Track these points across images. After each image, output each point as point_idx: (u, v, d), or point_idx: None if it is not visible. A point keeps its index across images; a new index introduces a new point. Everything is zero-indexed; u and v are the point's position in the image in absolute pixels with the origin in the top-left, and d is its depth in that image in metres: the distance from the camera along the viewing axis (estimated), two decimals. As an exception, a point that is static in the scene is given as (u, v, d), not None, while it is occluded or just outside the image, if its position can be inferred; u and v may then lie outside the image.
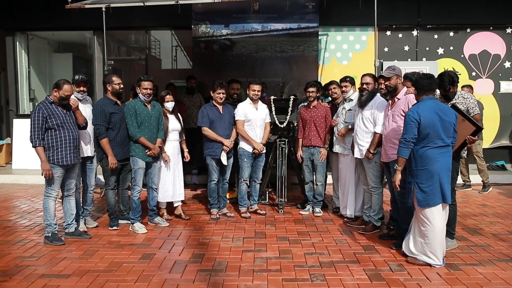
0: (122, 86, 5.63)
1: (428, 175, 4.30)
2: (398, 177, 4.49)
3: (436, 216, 4.33)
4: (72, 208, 5.31)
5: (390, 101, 5.15)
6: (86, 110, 5.53)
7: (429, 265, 4.36)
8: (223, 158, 6.14)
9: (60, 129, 4.97)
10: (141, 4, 7.32)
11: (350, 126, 5.87)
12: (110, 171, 5.59)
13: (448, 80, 4.87)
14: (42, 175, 4.98)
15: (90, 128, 5.53)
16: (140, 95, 5.67)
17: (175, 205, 6.30)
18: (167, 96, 6.06)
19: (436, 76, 5.20)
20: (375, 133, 5.37)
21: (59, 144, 4.97)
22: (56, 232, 5.19)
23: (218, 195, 6.37)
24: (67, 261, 4.58)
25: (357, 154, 5.62)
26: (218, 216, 6.25)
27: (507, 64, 9.85)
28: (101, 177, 6.07)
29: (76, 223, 5.41)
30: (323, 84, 7.18)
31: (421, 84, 4.43)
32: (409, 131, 4.31)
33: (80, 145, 5.27)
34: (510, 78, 9.89)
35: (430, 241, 4.35)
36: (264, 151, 6.38)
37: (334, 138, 6.18)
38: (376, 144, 5.36)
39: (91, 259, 4.65)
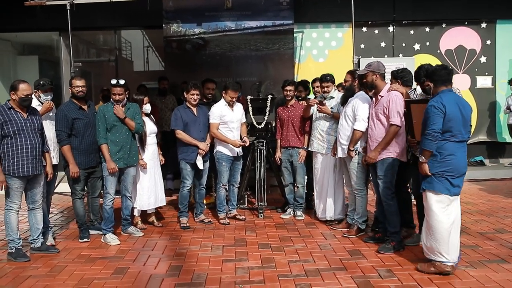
0: (82, 89, 5.23)
1: (443, 167, 4.02)
2: (425, 168, 4.07)
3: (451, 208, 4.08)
4: (38, 222, 4.92)
5: (374, 99, 4.94)
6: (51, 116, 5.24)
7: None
8: (199, 163, 5.85)
9: (17, 136, 4.58)
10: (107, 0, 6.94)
11: (330, 111, 5.68)
12: (73, 180, 5.24)
13: (423, 73, 4.73)
14: None
15: (54, 135, 5.20)
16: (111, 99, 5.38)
17: (149, 212, 5.99)
18: (145, 98, 5.78)
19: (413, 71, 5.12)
20: (354, 129, 5.15)
21: (15, 154, 4.58)
22: (21, 247, 4.81)
23: (195, 201, 6.09)
24: (32, 280, 4.22)
25: (340, 154, 5.41)
26: (187, 225, 5.91)
27: (483, 59, 9.81)
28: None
29: (42, 237, 5.03)
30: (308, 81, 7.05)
31: (439, 75, 4.14)
32: (436, 121, 3.96)
33: (41, 154, 4.84)
34: (486, 73, 9.86)
35: (435, 236, 4.08)
36: (248, 142, 6.13)
37: (312, 136, 5.95)
38: (355, 141, 5.14)
39: (58, 276, 4.30)
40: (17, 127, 4.59)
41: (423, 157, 4.08)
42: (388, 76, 5.28)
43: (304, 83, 6.98)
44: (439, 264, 4.07)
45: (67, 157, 5.13)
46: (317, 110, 5.77)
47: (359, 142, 5.16)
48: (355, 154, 5.19)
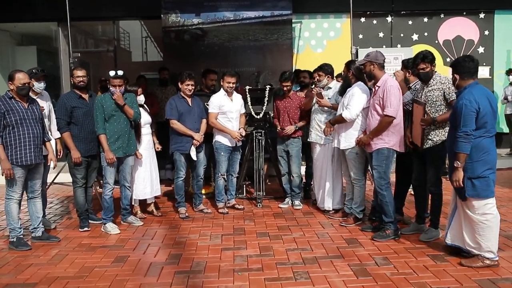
0: (83, 79, 5.31)
1: (484, 166, 3.93)
2: (460, 174, 3.91)
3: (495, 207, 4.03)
4: (38, 210, 5.00)
5: (373, 89, 4.98)
6: (44, 106, 5.33)
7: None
8: (193, 153, 5.87)
9: (19, 126, 4.63)
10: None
11: (330, 104, 5.69)
12: (75, 168, 5.29)
13: (420, 57, 4.65)
14: (2, 175, 4.64)
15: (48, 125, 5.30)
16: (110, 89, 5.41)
17: (148, 201, 6.04)
18: (139, 90, 5.80)
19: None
20: (341, 114, 5.21)
21: (17, 143, 4.63)
22: (22, 236, 4.87)
23: (194, 191, 6.13)
24: (34, 268, 4.28)
25: (336, 144, 5.45)
26: (186, 215, 5.96)
27: (481, 49, 9.84)
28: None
29: (43, 226, 5.10)
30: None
31: (467, 67, 3.98)
32: (469, 123, 3.82)
33: (42, 143, 4.89)
34: (484, 63, 9.85)
35: (488, 235, 3.97)
36: (244, 133, 6.15)
37: (310, 127, 5.99)
38: (337, 121, 5.28)
39: (60, 265, 4.36)
40: (19, 116, 4.64)
41: (458, 162, 3.90)
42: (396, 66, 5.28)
43: (309, 71, 6.99)
44: (487, 260, 3.98)
45: (68, 143, 5.22)
46: (316, 103, 5.81)
47: (358, 133, 5.19)
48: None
